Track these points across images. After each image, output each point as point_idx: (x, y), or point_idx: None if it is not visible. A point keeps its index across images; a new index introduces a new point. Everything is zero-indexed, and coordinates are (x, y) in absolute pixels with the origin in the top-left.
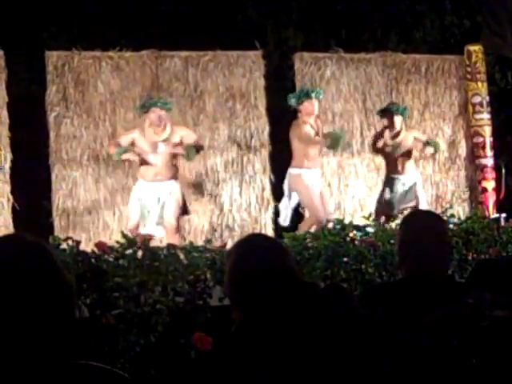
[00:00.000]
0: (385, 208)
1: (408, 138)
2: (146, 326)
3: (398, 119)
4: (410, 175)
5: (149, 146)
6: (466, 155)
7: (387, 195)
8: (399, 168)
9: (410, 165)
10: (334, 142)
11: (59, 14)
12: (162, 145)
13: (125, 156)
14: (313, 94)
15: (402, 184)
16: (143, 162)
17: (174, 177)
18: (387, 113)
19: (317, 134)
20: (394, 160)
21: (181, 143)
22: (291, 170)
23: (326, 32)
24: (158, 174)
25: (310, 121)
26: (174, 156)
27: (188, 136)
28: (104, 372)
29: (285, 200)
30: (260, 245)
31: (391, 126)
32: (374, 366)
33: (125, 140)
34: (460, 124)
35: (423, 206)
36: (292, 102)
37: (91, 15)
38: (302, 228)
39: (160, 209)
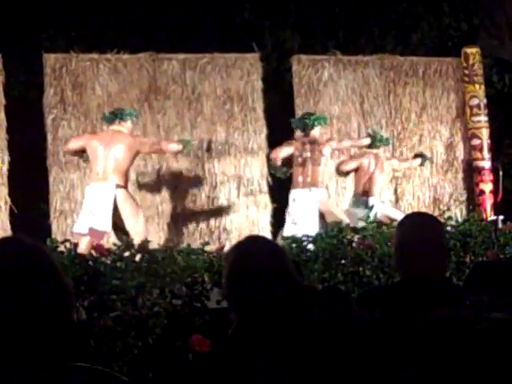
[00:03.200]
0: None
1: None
2: (144, 328)
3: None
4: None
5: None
6: (463, 157)
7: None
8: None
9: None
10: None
11: (57, 17)
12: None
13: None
14: (316, 122)
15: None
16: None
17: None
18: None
19: (300, 156)
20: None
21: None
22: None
23: (323, 34)
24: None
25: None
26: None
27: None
28: (102, 374)
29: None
30: (258, 247)
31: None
32: (372, 369)
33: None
34: (457, 126)
35: None
36: (308, 123)
37: (89, 18)
38: None
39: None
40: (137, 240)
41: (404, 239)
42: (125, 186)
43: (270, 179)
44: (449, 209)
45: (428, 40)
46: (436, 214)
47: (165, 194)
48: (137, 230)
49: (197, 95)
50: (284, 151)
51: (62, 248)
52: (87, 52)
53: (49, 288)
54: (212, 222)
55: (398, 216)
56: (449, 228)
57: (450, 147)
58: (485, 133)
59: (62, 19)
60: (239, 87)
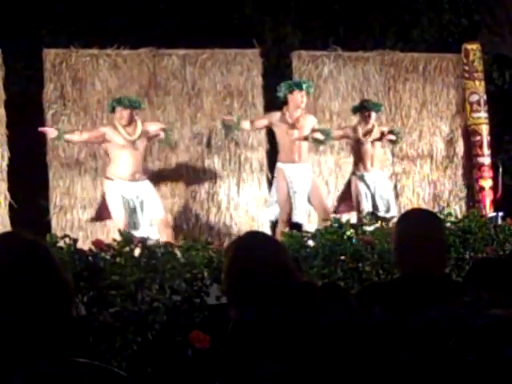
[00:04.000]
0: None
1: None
2: (143, 324)
3: (372, 115)
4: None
5: (125, 142)
6: (463, 154)
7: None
8: (368, 165)
9: (376, 162)
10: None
11: (57, 12)
12: (137, 142)
13: (67, 136)
14: (304, 86)
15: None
16: (117, 160)
17: (149, 176)
18: (363, 109)
19: (293, 127)
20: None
21: (155, 136)
22: (276, 164)
23: (323, 30)
24: (135, 172)
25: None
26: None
27: (150, 126)
28: (101, 370)
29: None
30: (257, 243)
31: (365, 122)
32: (372, 366)
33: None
34: (457, 122)
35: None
36: (281, 91)
37: (89, 13)
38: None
39: (142, 209)
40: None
41: (404, 235)
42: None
43: (269, 175)
44: (448, 205)
45: (428, 36)
46: (435, 210)
47: (165, 189)
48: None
49: (197, 91)
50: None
51: (61, 243)
52: (87, 47)
53: (48, 283)
54: (212, 217)
55: None
56: (448, 224)
57: (449, 143)
58: (485, 129)
59: (62, 14)
60: (239, 83)
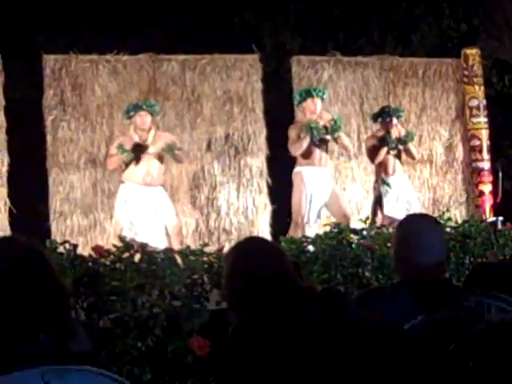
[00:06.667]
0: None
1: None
2: (143, 329)
3: (394, 121)
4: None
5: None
6: (462, 158)
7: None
8: (390, 170)
9: (399, 166)
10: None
11: (56, 18)
12: (151, 148)
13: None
14: (314, 93)
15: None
16: (131, 165)
17: (162, 182)
18: (384, 116)
19: None
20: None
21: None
22: (294, 168)
23: (323, 35)
24: (147, 177)
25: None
26: (161, 161)
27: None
28: (101, 376)
29: None
30: (257, 248)
31: (385, 128)
32: (371, 370)
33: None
34: (457, 127)
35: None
36: (296, 99)
37: (88, 19)
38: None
39: (156, 215)
40: None
41: (403, 240)
42: None
43: (269, 180)
44: (448, 210)
45: (428, 41)
46: (435, 215)
47: None
48: None
49: (196, 96)
50: None
51: (61, 249)
52: (87, 53)
53: (46, 289)
54: (211, 223)
55: None
56: (448, 229)
57: (449, 148)
58: (484, 134)
59: (62, 20)
60: (239, 88)
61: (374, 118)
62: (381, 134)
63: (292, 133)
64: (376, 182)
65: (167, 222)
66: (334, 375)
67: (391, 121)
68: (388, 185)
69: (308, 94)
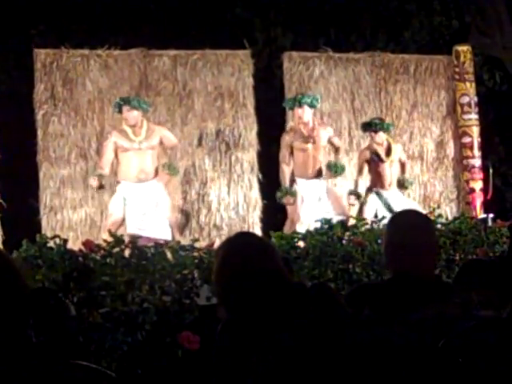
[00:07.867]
0: None
1: (397, 151)
2: (133, 324)
3: (380, 135)
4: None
5: (130, 144)
6: (453, 155)
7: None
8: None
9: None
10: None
11: (48, 12)
12: (144, 143)
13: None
14: (302, 101)
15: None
16: (123, 162)
17: (156, 176)
18: (370, 128)
19: (307, 141)
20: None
21: (161, 143)
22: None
23: (314, 31)
24: (141, 174)
25: (299, 128)
26: (155, 155)
27: (168, 138)
28: (91, 371)
29: None
30: (247, 244)
31: (373, 140)
32: (360, 366)
33: (106, 161)
34: (448, 124)
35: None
36: (287, 106)
37: (80, 13)
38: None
39: (156, 208)
40: None
41: (394, 237)
42: None
43: (260, 175)
44: (439, 206)
45: (419, 38)
46: (426, 211)
47: None
48: None
49: (188, 91)
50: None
51: (51, 244)
52: (78, 48)
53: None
54: (202, 218)
55: None
56: (439, 226)
57: (440, 145)
58: (475, 131)
59: (53, 15)
60: (230, 84)
61: (363, 128)
62: (372, 146)
63: (283, 142)
64: (369, 190)
65: (166, 214)
66: (322, 370)
67: (376, 134)
68: (381, 198)
69: (295, 102)
